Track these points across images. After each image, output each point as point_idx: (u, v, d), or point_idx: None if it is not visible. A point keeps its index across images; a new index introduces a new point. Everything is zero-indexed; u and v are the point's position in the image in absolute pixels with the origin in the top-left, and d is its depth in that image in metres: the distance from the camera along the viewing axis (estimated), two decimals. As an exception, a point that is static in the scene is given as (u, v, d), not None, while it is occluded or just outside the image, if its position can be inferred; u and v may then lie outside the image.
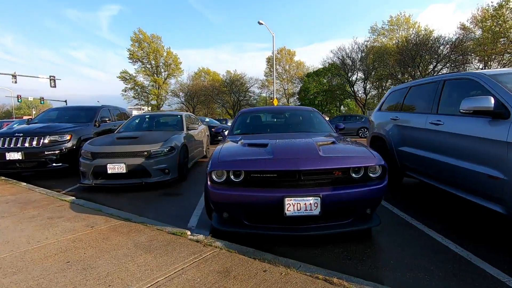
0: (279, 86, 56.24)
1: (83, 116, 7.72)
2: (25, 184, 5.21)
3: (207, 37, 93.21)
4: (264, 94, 52.63)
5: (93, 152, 5.07)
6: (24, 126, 6.58)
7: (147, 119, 7.30)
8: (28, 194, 4.42)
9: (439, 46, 28.27)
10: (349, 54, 35.30)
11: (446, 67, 28.05)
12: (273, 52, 27.04)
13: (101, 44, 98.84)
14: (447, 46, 27.80)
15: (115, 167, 4.92)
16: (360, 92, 37.15)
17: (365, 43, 36.74)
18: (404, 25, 44.98)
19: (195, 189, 5.11)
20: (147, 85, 49.28)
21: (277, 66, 56.53)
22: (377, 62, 33.17)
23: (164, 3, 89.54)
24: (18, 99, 40.45)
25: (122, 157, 5.01)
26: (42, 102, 44.67)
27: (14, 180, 5.58)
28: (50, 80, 29.61)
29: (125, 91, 49.00)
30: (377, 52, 33.93)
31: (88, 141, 5.52)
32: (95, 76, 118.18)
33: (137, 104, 50.23)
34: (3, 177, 5.86)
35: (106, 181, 5.03)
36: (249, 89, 45.43)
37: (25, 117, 39.39)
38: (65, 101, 46.19)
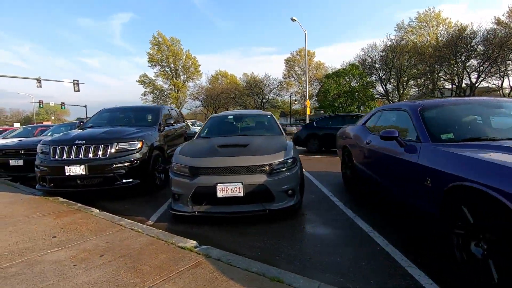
0: (298, 88, 54.59)
1: (143, 118, 6.31)
2: (97, 211, 3.76)
3: (214, 42, 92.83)
4: (285, 97, 51.07)
5: (193, 166, 3.57)
6: (82, 131, 5.19)
7: (230, 118, 5.77)
8: (118, 233, 2.94)
9: (473, 42, 26.07)
10: (381, 52, 33.35)
11: (480, 63, 25.79)
12: (305, 50, 25.47)
13: (114, 51, 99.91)
14: (481, 41, 25.59)
15: (229, 189, 3.40)
16: (391, 93, 35.06)
17: (388, 41, 34.79)
18: (434, 22, 42.87)
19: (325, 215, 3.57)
20: (166, 88, 48.57)
21: (296, 68, 55.00)
22: (413, 60, 31.12)
23: (172, 9, 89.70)
24: (40, 104, 40.26)
25: (238, 174, 3.49)
26: (63, 107, 44.45)
27: (78, 204, 4.15)
28: (74, 84, 28.92)
29: (144, 95, 48.41)
30: (412, 50, 31.91)
31: (178, 150, 4.05)
32: (109, 83, 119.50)
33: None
34: (60, 198, 4.45)
35: (214, 208, 3.52)
36: (272, 91, 43.92)
37: (45, 123, 39.03)
38: (85, 106, 45.95)
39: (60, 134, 5.16)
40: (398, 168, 3.10)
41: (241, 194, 3.41)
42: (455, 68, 28.17)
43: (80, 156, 4.48)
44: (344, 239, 2.97)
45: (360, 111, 44.21)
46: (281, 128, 5.22)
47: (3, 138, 9.76)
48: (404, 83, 34.17)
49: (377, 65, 34.07)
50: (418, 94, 37.55)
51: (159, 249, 2.50)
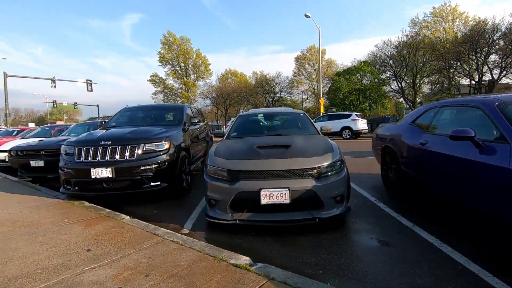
0: (308, 86, 53.84)
1: (167, 117, 6.03)
2: (128, 218, 3.48)
3: (222, 42, 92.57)
4: (295, 96, 50.48)
5: (234, 169, 3.24)
6: (106, 131, 4.93)
7: (261, 117, 5.41)
8: (158, 245, 2.63)
9: (495, 36, 24.92)
10: (396, 48, 32.42)
11: (502, 58, 24.64)
12: (319, 47, 24.93)
13: (124, 51, 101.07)
14: (502, 35, 24.41)
15: (274, 195, 3.06)
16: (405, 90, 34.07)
17: (404, 37, 33.71)
18: (450, 16, 41.61)
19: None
20: (176, 87, 48.60)
21: (306, 65, 54.27)
22: (430, 56, 30.15)
23: (181, 9, 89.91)
24: (53, 104, 40.81)
25: (283, 178, 3.15)
26: (75, 107, 45.02)
27: (106, 209, 3.88)
28: (87, 84, 29.13)
29: (155, 94, 48.54)
30: (429, 45, 30.92)
31: (213, 151, 3.72)
32: (120, 83, 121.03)
33: (166, 107, 49.59)
34: (86, 203, 4.20)
35: (257, 216, 3.18)
36: (284, 89, 43.43)
37: (58, 122, 39.55)
38: (97, 105, 46.43)
39: (84, 134, 4.91)
40: (473, 173, 2.70)
41: (288, 201, 3.06)
42: (474, 64, 27.09)
43: (107, 158, 4.21)
44: (414, 254, 2.59)
45: (371, 109, 43.33)
46: (316, 127, 4.85)
47: (22, 138, 9.68)
48: (418, 80, 33.17)
49: (391, 62, 33.11)
50: (432, 91, 36.47)
51: (210, 267, 2.17)
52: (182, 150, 4.99)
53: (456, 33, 34.87)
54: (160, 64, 47.41)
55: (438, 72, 31.67)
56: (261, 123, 5.29)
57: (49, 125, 13.09)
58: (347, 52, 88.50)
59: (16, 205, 4.17)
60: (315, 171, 3.20)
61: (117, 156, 4.23)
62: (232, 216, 3.21)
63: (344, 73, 44.26)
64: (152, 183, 4.36)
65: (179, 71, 48.33)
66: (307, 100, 50.19)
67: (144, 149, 4.36)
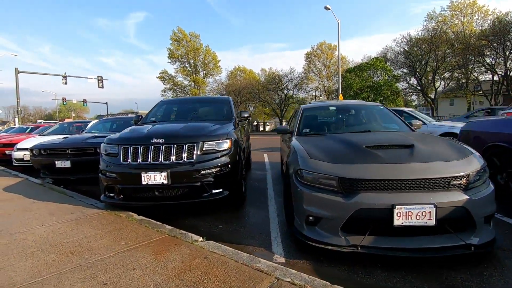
0: (318, 83, 52.66)
1: (214, 111, 5.20)
2: (202, 240, 2.65)
3: (227, 39, 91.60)
4: (306, 92, 49.39)
5: (350, 178, 2.39)
6: (153, 126, 4.10)
7: (332, 110, 4.53)
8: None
9: None
10: (416, 43, 31.22)
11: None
12: (338, 40, 23.91)
13: (129, 49, 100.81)
14: None
15: (413, 213, 2.21)
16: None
17: (425, 32, 32.40)
18: (469, 10, 40.20)
19: None
20: (186, 84, 47.91)
21: (317, 62, 53.01)
22: (451, 50, 28.92)
23: (185, 7, 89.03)
24: (63, 101, 40.42)
25: (425, 190, 2.30)
26: (84, 104, 44.63)
27: (165, 225, 3.06)
28: (98, 80, 28.53)
29: (164, 91, 47.89)
30: (451, 40, 29.68)
31: (303, 152, 2.87)
32: (125, 81, 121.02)
33: (175, 104, 48.99)
34: (135, 215, 3.39)
35: (387, 241, 2.32)
36: (297, 86, 42.50)
37: (67, 120, 39.05)
38: (106, 103, 45.96)
39: (127, 130, 4.07)
40: None
41: (433, 222, 2.21)
42: (502, 57, 25.79)
43: (160, 160, 3.39)
44: None
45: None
46: (407, 123, 3.98)
47: (40, 135, 8.95)
48: (438, 77, 31.95)
49: (411, 57, 31.88)
50: (446, 88, 35.18)
51: None
52: (241, 149, 4.16)
53: (476, 27, 33.57)
54: (170, 61, 46.72)
55: (459, 67, 30.46)
56: (335, 118, 4.43)
57: (67, 121, 12.39)
58: (357, 48, 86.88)
59: (50, 218, 3.38)
60: (464, 180, 2.34)
61: (173, 158, 3.40)
62: (347, 240, 2.37)
63: (355, 70, 43.07)
64: (213, 191, 3.53)
65: (188, 68, 47.59)
66: (320, 98, 49.10)
67: (203, 148, 3.53)
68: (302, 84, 48.91)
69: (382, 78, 39.89)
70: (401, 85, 38.62)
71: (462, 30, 35.46)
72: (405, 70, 34.30)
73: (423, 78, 31.88)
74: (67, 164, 5.52)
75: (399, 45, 33.49)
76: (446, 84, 35.06)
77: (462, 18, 39.91)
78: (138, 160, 3.41)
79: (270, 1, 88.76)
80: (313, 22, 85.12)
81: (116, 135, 3.93)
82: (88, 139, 5.87)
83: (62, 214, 3.47)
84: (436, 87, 31.77)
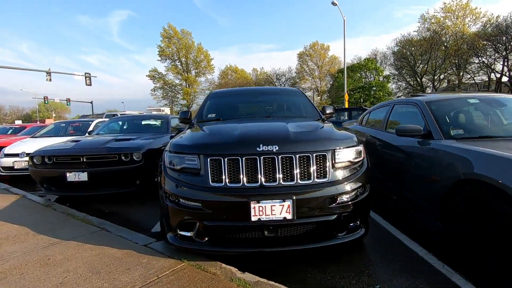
0: (311, 83, 52.10)
1: (290, 106, 3.89)
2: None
3: (213, 40, 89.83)
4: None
5: None
6: (241, 126, 2.73)
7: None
8: None
9: None
10: (415, 43, 31.08)
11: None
12: (344, 37, 23.11)
13: (112, 48, 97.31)
14: None
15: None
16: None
17: (423, 32, 32.36)
18: (461, 12, 40.70)
19: None
20: (177, 83, 46.00)
21: (310, 62, 52.48)
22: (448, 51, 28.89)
23: (170, 7, 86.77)
24: (45, 100, 37.66)
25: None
26: (68, 103, 41.91)
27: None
28: (86, 78, 26.42)
29: (154, 91, 45.82)
30: (443, 43, 29.67)
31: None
32: (110, 81, 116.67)
33: (166, 104, 47.01)
34: (237, 272, 2.06)
35: None
36: (295, 85, 41.80)
37: (47, 120, 36.20)
38: (91, 102, 43.35)
39: (199, 131, 2.66)
40: None
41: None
42: (502, 58, 25.88)
43: (279, 180, 2.08)
44: None
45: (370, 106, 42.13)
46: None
47: (32, 137, 7.31)
48: (437, 77, 31.92)
49: (412, 57, 31.71)
50: (436, 88, 35.39)
51: None
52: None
53: (468, 29, 33.93)
54: (160, 59, 44.73)
55: (456, 67, 30.55)
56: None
57: (65, 121, 10.68)
58: (341, 51, 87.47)
59: (97, 283, 1.99)
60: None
61: (297, 176, 2.10)
62: None
63: (347, 71, 42.88)
64: (351, 225, 2.26)
65: (180, 66, 45.73)
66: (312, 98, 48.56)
67: (335, 160, 2.24)
68: (295, 85, 48.23)
69: (374, 79, 39.78)
70: (393, 85, 38.58)
71: (455, 31, 35.72)
72: (396, 72, 34.18)
73: (416, 78, 31.81)
74: (83, 177, 4.06)
75: (399, 45, 33.23)
76: (435, 85, 35.25)
77: (454, 19, 40.40)
78: (242, 181, 2.08)
79: (258, 1, 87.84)
80: (302, 23, 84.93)
81: (187, 136, 2.53)
82: (109, 143, 4.44)
83: (113, 272, 2.07)
84: (436, 88, 31.73)
